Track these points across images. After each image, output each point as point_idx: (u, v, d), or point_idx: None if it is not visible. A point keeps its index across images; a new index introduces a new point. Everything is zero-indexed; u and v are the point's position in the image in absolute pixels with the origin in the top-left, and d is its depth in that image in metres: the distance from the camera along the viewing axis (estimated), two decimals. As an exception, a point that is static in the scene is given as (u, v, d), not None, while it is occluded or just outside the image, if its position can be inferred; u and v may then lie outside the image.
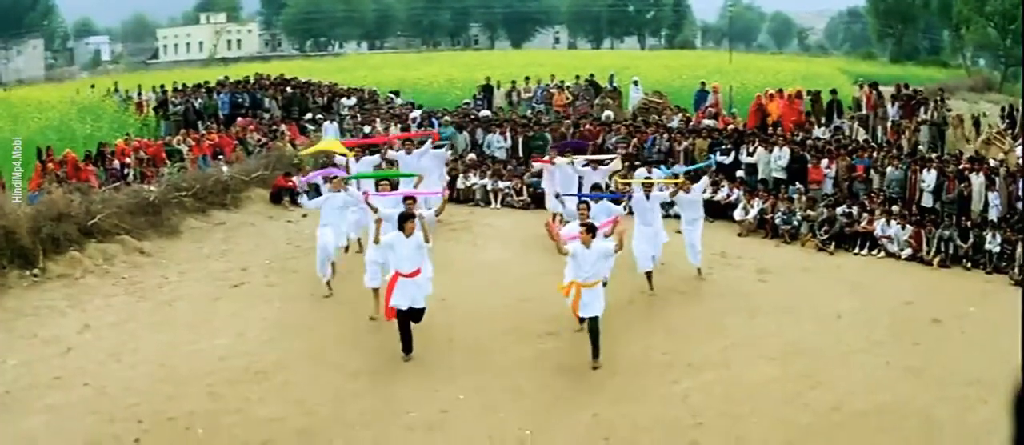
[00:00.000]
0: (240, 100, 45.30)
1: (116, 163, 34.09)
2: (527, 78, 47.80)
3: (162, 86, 46.47)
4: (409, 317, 19.22)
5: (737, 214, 32.25)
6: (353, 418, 16.42)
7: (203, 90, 45.80)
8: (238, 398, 17.13)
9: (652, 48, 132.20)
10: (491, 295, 23.41)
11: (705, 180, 27.47)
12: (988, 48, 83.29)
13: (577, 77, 47.37)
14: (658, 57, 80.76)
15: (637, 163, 35.14)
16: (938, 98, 37.54)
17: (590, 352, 19.04)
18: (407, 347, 19.40)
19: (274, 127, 42.12)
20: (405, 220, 18.86)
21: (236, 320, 21.55)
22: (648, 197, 24.48)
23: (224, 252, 27.96)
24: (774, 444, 15.48)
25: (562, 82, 46.58)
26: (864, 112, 38.15)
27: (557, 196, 27.23)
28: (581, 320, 19.74)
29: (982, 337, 20.74)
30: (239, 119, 43.16)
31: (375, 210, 20.23)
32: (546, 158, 32.11)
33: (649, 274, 24.24)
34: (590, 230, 18.85)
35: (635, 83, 45.70)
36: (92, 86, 52.78)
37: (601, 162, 30.22)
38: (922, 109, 36.69)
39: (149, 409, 16.82)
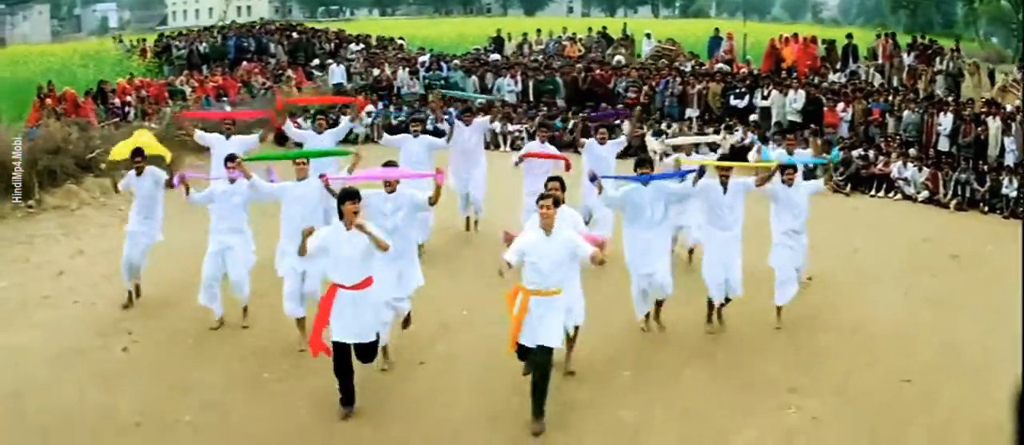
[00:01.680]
0: (246, 45, 44.80)
1: (117, 101, 33.71)
2: (538, 30, 47.02)
3: (165, 33, 45.95)
4: (351, 356, 13.24)
5: (751, 156, 31.61)
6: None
7: (208, 34, 45.30)
8: (233, 314, 16.57)
9: (666, 18, 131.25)
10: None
11: (818, 183, 18.26)
12: (1002, 22, 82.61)
13: (589, 29, 46.60)
14: (671, 24, 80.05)
15: (654, 119, 34.62)
16: (954, 48, 36.86)
17: (530, 406, 12.95)
18: (347, 398, 13.31)
19: (280, 72, 41.57)
20: (346, 200, 12.96)
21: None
22: (726, 186, 16.31)
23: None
24: (791, 361, 14.86)
25: (574, 34, 45.81)
26: (880, 61, 37.46)
27: (593, 178, 15.90)
28: (521, 353, 13.17)
29: (1000, 273, 20.22)
30: (244, 63, 42.61)
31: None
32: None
33: (715, 307, 16.74)
34: (556, 203, 12.86)
35: (647, 35, 44.96)
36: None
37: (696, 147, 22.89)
38: (938, 59, 36.03)
39: (139, 324, 16.67)
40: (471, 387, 14.00)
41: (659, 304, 16.42)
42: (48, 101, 31.85)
